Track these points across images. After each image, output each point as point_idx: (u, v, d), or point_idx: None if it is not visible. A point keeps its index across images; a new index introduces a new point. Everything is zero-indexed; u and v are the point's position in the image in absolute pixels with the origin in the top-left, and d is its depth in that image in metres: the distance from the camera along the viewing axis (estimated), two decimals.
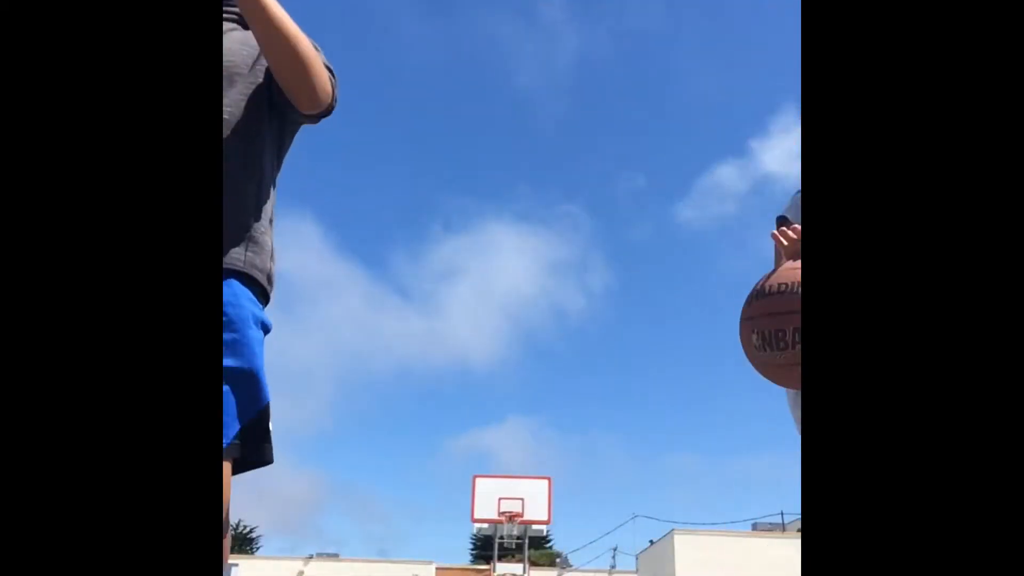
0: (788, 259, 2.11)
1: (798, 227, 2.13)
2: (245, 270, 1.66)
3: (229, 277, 1.62)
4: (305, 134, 1.91)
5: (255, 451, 1.63)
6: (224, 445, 1.54)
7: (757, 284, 2.14)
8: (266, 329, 1.67)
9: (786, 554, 21.00)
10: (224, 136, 1.64)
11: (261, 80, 1.74)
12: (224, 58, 1.67)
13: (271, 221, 1.79)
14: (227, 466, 1.56)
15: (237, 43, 1.75)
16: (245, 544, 40.26)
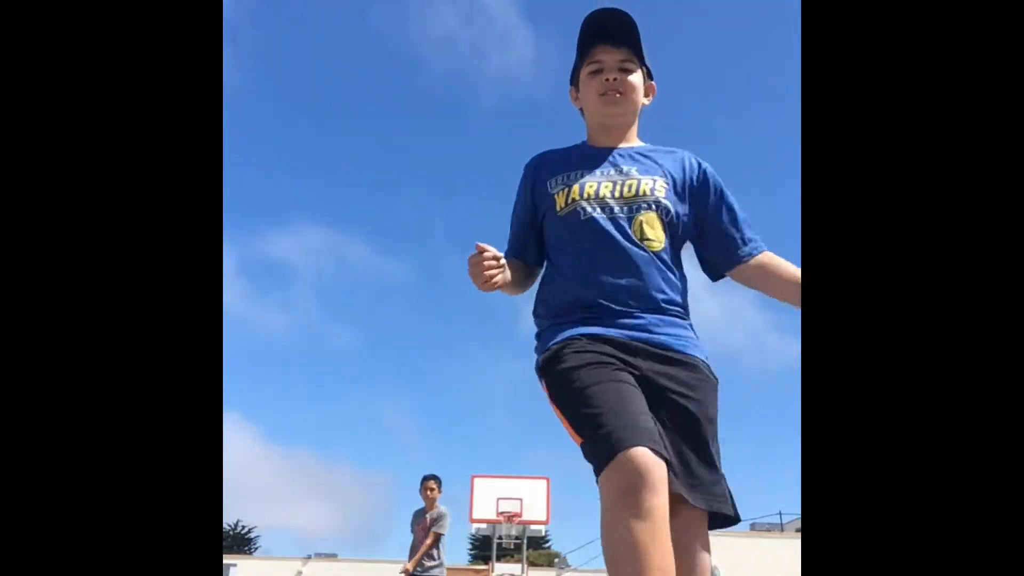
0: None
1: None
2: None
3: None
4: None
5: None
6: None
7: None
8: None
9: (784, 554, 20.99)
10: None
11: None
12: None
13: None
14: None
15: None
16: (243, 544, 40.22)
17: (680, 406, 1.72)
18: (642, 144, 2.01)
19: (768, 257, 1.92)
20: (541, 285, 1.97)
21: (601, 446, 1.52)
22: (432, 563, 7.43)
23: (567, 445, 1.69)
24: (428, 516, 7.51)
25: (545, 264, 1.99)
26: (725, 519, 1.74)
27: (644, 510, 1.43)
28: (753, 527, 27.81)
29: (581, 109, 2.03)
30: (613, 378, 1.66)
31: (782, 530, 26.87)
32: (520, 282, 1.97)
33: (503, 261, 1.76)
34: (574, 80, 2.01)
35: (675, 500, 1.63)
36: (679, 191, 1.92)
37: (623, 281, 1.80)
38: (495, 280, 1.71)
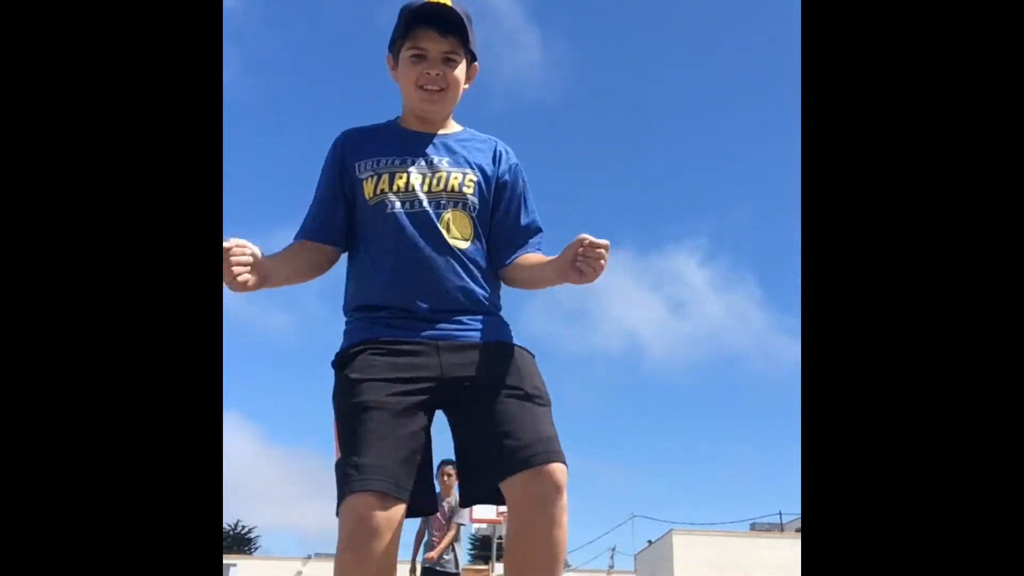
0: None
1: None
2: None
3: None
4: None
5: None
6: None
7: None
8: None
9: (785, 554, 21.00)
10: None
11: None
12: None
13: None
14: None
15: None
16: (243, 544, 40.20)
17: (497, 388, 1.72)
18: (458, 130, 1.94)
19: (523, 257, 1.90)
20: (348, 277, 1.91)
21: (339, 483, 1.65)
22: (446, 557, 6.87)
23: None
24: (446, 504, 6.85)
25: (350, 254, 1.92)
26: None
27: (363, 555, 1.58)
28: (753, 527, 27.80)
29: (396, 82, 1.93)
30: (381, 405, 1.67)
31: (782, 530, 26.87)
32: (309, 268, 1.88)
33: (254, 259, 1.62)
34: (393, 50, 1.89)
35: (504, 486, 1.66)
36: (487, 186, 1.88)
37: (427, 282, 1.77)
38: (245, 281, 1.60)
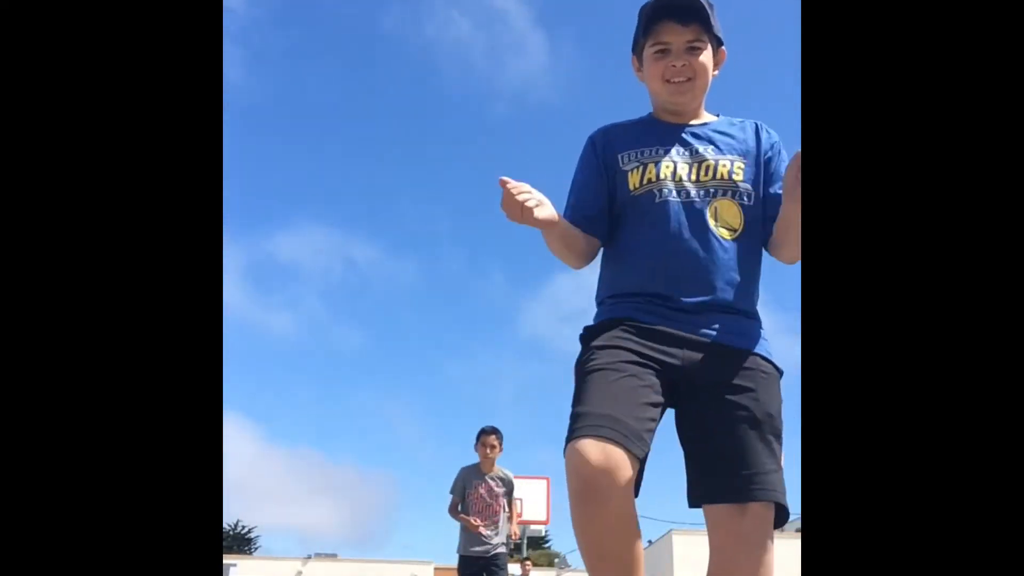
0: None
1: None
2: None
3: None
4: None
5: None
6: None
7: None
8: None
9: (785, 554, 20.99)
10: None
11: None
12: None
13: None
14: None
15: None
16: (243, 544, 40.23)
17: (728, 402, 1.67)
18: (714, 118, 1.89)
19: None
20: (605, 265, 1.88)
21: (569, 430, 1.59)
22: (500, 539, 6.00)
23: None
24: (491, 479, 5.99)
25: (607, 245, 1.88)
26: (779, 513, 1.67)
27: (596, 506, 1.52)
28: None
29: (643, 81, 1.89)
30: (613, 367, 1.64)
31: (782, 530, 26.88)
32: (582, 253, 1.85)
33: (534, 192, 1.63)
34: (636, 51, 1.87)
35: (707, 510, 1.65)
36: (756, 169, 1.82)
37: (691, 273, 1.73)
38: (533, 206, 1.60)
